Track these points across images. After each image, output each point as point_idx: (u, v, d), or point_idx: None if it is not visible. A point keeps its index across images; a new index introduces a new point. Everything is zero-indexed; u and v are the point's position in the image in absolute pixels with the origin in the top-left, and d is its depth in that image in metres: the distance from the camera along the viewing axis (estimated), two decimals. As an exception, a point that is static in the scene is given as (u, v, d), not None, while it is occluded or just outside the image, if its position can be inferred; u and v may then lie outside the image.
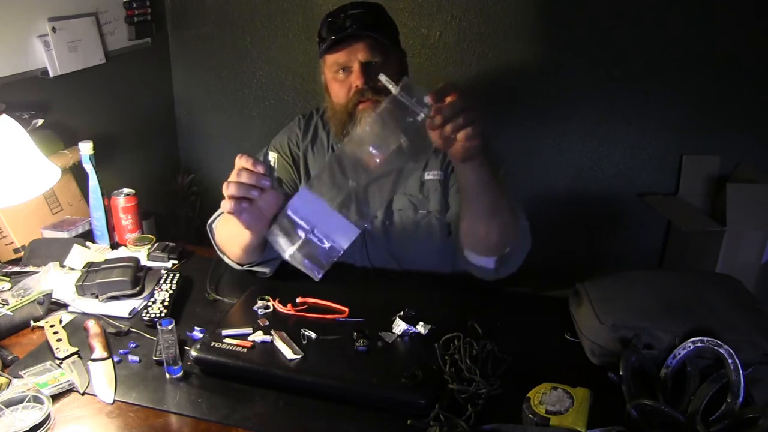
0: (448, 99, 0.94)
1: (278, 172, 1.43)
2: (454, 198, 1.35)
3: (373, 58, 1.30)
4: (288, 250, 1.01)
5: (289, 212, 1.01)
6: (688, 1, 2.04)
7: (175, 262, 1.44)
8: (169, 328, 1.01)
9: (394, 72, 1.27)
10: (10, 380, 1.01)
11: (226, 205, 1.06)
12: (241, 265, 1.34)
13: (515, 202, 1.23)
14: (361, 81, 1.29)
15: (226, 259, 1.36)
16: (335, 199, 0.99)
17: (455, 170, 1.13)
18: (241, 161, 1.05)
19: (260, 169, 1.04)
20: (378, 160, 0.96)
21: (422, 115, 0.94)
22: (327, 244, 1.00)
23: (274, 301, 1.20)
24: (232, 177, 1.05)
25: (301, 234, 1.00)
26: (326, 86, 1.39)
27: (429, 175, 1.39)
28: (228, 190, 1.05)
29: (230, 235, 1.28)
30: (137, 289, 1.29)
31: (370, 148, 0.97)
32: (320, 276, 1.01)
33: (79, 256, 1.42)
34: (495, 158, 1.23)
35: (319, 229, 1.00)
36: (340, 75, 1.33)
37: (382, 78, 0.98)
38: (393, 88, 0.95)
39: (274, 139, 1.52)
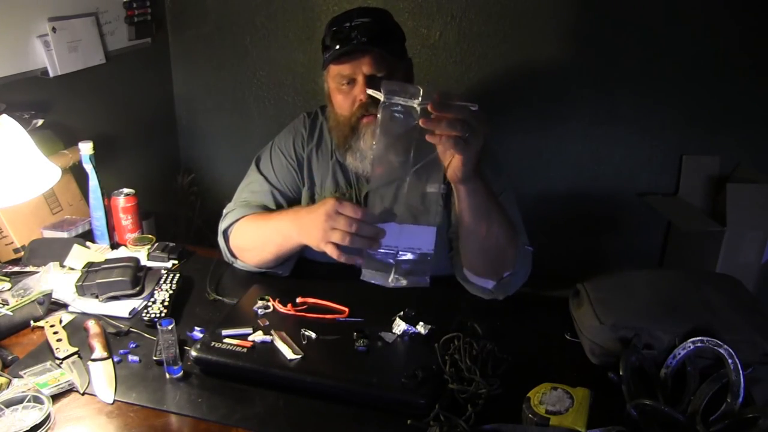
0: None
1: (280, 175, 1.42)
2: (455, 214, 1.34)
3: (378, 72, 1.25)
4: (389, 280, 1.04)
5: (369, 251, 1.04)
6: (688, 2, 2.04)
7: (175, 262, 1.44)
8: (169, 328, 1.01)
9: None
10: (10, 380, 1.01)
11: (334, 251, 1.07)
12: (258, 268, 1.34)
13: (517, 228, 1.22)
14: (365, 95, 1.25)
15: (238, 264, 1.36)
16: (396, 216, 1.03)
17: (453, 193, 1.13)
18: (351, 211, 1.05)
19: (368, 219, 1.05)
20: (406, 165, 1.01)
21: (417, 108, 0.96)
22: (417, 254, 1.04)
23: (274, 301, 1.20)
24: (346, 226, 1.05)
25: (391, 260, 1.04)
26: (329, 96, 1.35)
27: (431, 188, 1.37)
28: (344, 240, 1.05)
29: (265, 246, 1.28)
30: (137, 289, 1.29)
31: (394, 159, 1.01)
32: (429, 280, 1.05)
33: (79, 256, 1.42)
34: (497, 180, 1.23)
35: (402, 246, 1.04)
36: (344, 86, 1.29)
37: (369, 92, 1.04)
38: (380, 96, 0.98)
39: (278, 137, 1.48)
